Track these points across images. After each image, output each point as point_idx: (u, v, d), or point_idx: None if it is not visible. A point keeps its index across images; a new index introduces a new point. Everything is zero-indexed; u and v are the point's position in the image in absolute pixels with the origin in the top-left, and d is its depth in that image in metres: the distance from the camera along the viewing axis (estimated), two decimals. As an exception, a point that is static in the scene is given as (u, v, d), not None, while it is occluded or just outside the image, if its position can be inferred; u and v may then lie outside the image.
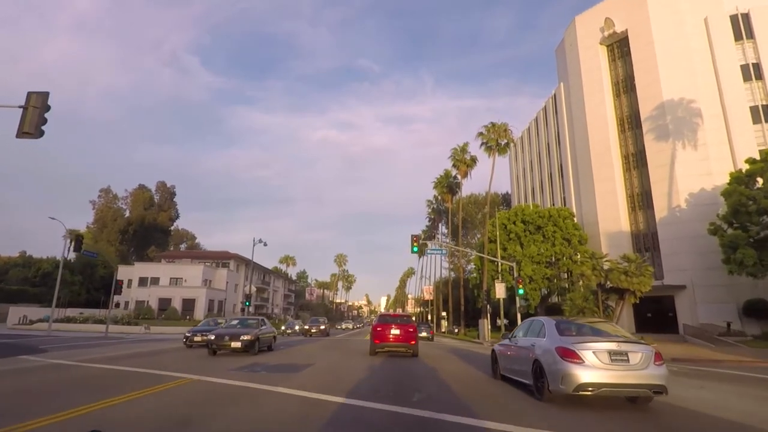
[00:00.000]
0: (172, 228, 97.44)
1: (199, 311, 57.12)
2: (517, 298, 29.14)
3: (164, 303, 56.83)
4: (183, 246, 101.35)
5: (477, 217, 76.25)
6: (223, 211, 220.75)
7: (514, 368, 9.51)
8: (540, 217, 41.80)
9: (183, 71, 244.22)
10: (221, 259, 69.85)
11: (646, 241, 40.28)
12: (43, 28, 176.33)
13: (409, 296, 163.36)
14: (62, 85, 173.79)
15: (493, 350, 11.29)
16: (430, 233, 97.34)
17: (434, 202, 79.34)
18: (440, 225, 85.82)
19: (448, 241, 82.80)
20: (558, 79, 53.24)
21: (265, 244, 48.80)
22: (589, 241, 41.43)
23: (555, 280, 40.50)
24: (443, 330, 66.15)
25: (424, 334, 33.48)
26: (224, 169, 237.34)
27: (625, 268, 28.80)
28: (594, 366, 6.91)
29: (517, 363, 9.26)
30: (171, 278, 60.17)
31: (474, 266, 45.65)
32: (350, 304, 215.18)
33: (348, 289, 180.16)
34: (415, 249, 29.75)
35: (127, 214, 78.40)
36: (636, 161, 41.92)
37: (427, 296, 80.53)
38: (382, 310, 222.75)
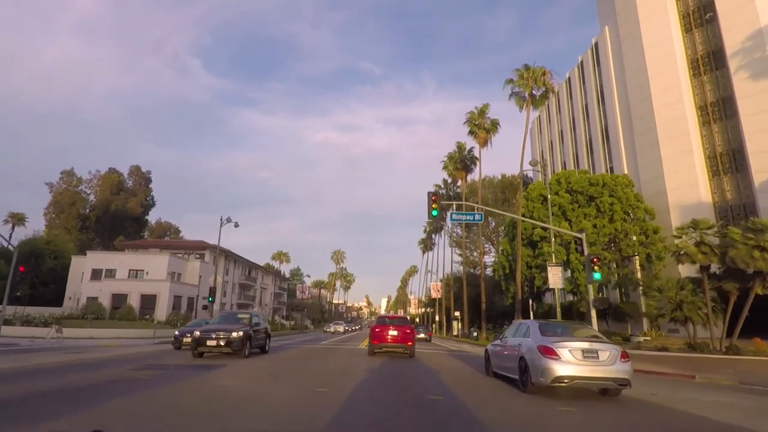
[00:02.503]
0: (148, 218, 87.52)
1: (162, 309, 47.07)
2: (589, 288, 18.99)
3: (119, 300, 46.84)
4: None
5: (492, 202, 65.98)
6: (224, 212, 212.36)
7: (504, 365, 10.26)
8: (591, 185, 31.77)
9: (185, 73, 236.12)
10: (196, 249, 59.83)
11: (736, 213, 30.26)
12: (44, 29, 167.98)
13: (412, 297, 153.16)
14: (63, 86, 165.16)
15: (486, 350, 12.19)
16: (438, 224, 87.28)
17: (444, 186, 69.24)
18: (449, 213, 75.81)
19: (460, 232, 72.76)
20: (600, 25, 43.25)
21: (237, 225, 38.93)
22: (656, 217, 31.45)
23: (614, 267, 30.42)
24: (455, 333, 56.02)
25: (422, 335, 34.48)
26: (225, 171, 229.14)
27: (757, 241, 18.73)
28: (569, 362, 7.89)
29: (506, 360, 10.05)
30: (130, 270, 50.12)
31: (502, 251, 35.63)
32: (349, 304, 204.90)
33: (347, 288, 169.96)
34: (435, 212, 19.82)
35: (92, 198, 68.37)
36: (719, 111, 31.89)
37: (435, 294, 70.43)
38: (383, 312, 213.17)
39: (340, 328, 54.22)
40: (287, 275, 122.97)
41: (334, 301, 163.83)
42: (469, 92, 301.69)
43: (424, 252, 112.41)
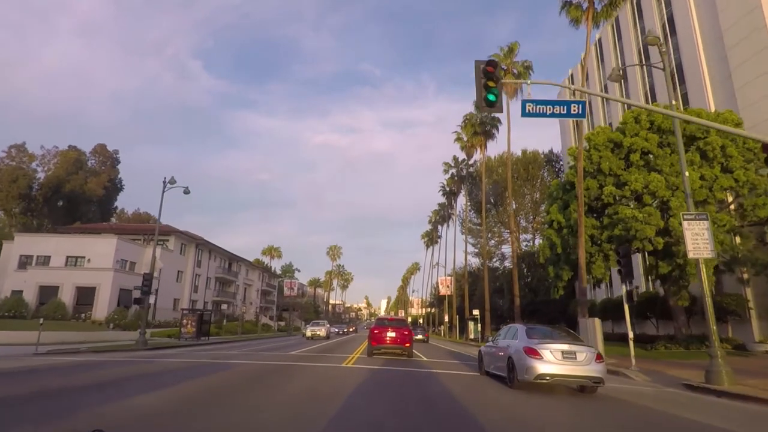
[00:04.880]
0: (122, 206, 77.62)
1: (102, 305, 37.17)
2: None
3: (48, 293, 36.93)
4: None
5: (512, 180, 55.86)
6: (222, 215, 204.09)
7: (495, 364, 11.19)
8: (688, 122, 21.79)
9: (186, 75, 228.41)
10: (159, 234, 49.65)
11: None
12: (47, 33, 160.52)
13: (414, 296, 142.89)
14: (65, 89, 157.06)
15: (480, 351, 13.28)
16: (445, 213, 77.05)
17: (454, 164, 59.20)
18: (458, 199, 65.68)
19: (474, 218, 62.68)
20: (667, -64, 33.28)
21: (187, 191, 29.04)
22: (782, 170, 21.45)
23: (737, 240, 20.36)
24: (471, 336, 45.88)
25: (419, 336, 36.36)
26: (226, 173, 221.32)
27: None
28: (550, 361, 8.87)
29: (497, 360, 11.02)
30: (68, 257, 40.17)
31: (551, 223, 25.55)
32: (348, 305, 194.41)
33: (344, 287, 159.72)
34: (492, 96, 9.89)
35: (42, 176, 58.35)
36: None
37: (444, 290, 60.38)
38: (382, 313, 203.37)
39: (321, 332, 37.08)
40: (278, 272, 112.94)
41: (332, 301, 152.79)
42: (470, 93, 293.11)
43: (428, 246, 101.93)
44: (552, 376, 8.75)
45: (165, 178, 27.81)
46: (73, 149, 64.88)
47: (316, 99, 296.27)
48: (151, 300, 27.62)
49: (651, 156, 22.11)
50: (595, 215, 23.51)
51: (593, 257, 22.41)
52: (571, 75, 46.23)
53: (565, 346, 9.07)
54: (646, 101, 35.09)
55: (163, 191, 27.69)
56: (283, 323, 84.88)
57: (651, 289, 33.60)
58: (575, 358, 8.91)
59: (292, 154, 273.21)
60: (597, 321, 19.15)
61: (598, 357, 9.09)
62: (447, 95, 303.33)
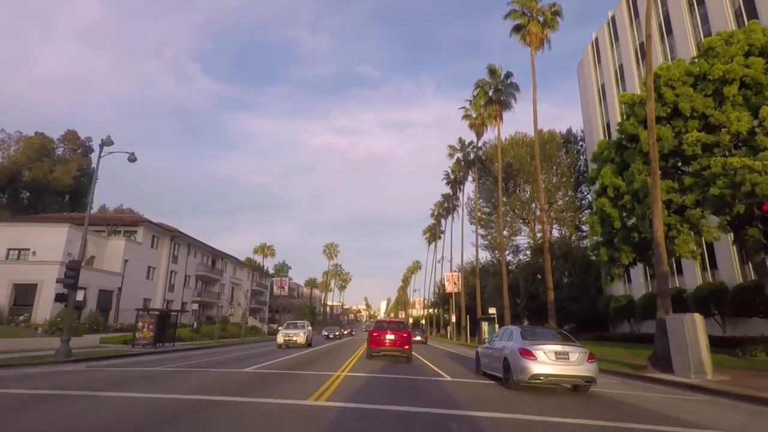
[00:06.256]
0: (103, 201, 71.32)
1: (45, 306, 30.89)
2: None
3: (-21, 292, 30.69)
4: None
5: (529, 161, 49.67)
6: (222, 217, 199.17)
7: (491, 365, 11.61)
8: (805, 40, 15.68)
9: (184, 78, 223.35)
10: (123, 225, 43.51)
11: None
12: (46, 36, 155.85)
13: (414, 298, 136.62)
14: (63, 91, 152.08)
15: (477, 352, 13.90)
16: (449, 204, 70.78)
17: (460, 147, 53.06)
18: (464, 188, 59.52)
19: (484, 206, 56.39)
20: None
21: (133, 158, 22.86)
22: None
23: None
24: (484, 338, 39.66)
25: (418, 338, 36.45)
26: (224, 175, 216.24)
27: None
28: (544, 362, 9.08)
29: (493, 361, 11.38)
30: (9, 249, 33.94)
31: (604, 189, 19.38)
32: (347, 307, 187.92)
33: (342, 288, 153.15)
34: None
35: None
36: None
37: (451, 287, 54.13)
38: (382, 315, 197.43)
39: (299, 337, 26.98)
40: (272, 272, 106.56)
41: (330, 303, 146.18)
42: (469, 93, 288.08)
43: (430, 243, 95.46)
44: (546, 376, 8.97)
45: (102, 139, 21.61)
46: (39, 135, 58.64)
47: (315, 100, 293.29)
48: (80, 296, 21.47)
49: (750, 90, 15.98)
50: (668, 177, 17.39)
51: (671, 230, 16.24)
52: (612, 17, 40.06)
53: (558, 347, 9.31)
54: (686, 49, 29.05)
55: (100, 156, 21.48)
56: (275, 326, 78.73)
57: (710, 279, 27.53)
58: (568, 359, 9.13)
59: (292, 155, 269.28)
60: (698, 318, 13.05)
61: (590, 357, 9.25)
62: (446, 95, 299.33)
